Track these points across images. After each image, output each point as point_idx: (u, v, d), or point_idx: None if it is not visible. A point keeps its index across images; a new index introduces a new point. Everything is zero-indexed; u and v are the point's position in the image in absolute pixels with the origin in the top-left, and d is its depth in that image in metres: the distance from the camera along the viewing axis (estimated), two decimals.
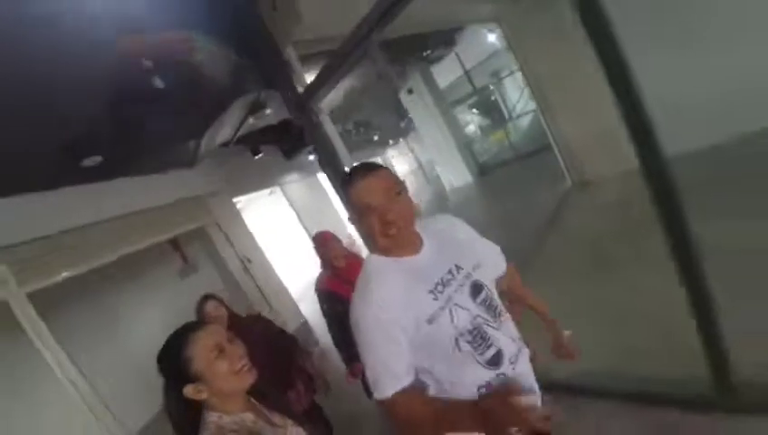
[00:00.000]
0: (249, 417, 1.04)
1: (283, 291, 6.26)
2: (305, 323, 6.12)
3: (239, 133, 5.02)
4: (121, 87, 2.81)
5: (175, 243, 6.01)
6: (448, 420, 0.98)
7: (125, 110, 3.09)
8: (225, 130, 4.77)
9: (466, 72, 10.97)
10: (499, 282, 1.31)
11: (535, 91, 5.77)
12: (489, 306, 1.14)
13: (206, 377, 0.99)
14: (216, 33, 2.99)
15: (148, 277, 5.93)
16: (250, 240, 6.13)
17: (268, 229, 9.12)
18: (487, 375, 1.09)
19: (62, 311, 4.60)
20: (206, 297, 2.23)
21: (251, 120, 4.66)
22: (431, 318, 1.05)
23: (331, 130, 2.55)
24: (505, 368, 1.11)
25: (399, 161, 21.56)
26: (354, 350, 1.82)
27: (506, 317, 1.18)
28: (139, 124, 3.44)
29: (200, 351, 0.99)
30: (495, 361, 1.10)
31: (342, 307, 2.09)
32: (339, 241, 2.35)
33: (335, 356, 2.52)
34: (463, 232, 1.27)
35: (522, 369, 1.15)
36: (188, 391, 0.98)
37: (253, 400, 1.13)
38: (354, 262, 2.30)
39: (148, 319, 5.61)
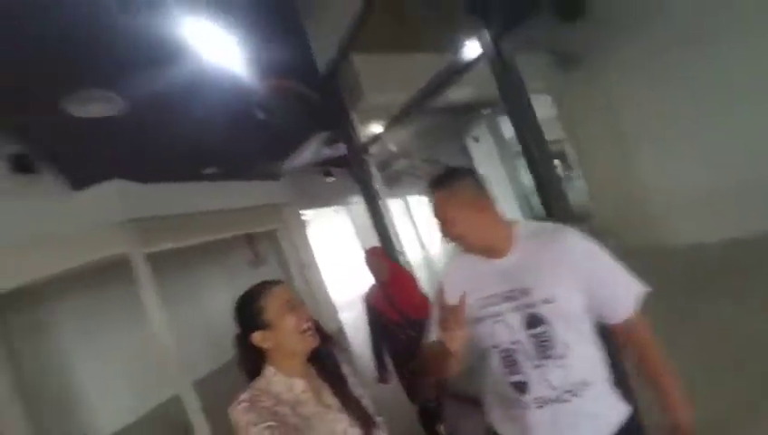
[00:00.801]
0: (299, 385, 1.04)
1: (326, 297, 7.13)
2: (341, 330, 6.87)
3: (317, 159, 6.12)
4: (235, 118, 3.92)
5: (250, 238, 7.25)
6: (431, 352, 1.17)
7: (236, 134, 4.24)
8: (305, 154, 5.87)
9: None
10: (619, 333, 1.14)
11: (579, 157, 6.08)
12: (540, 344, 1.07)
13: (274, 328, 1.03)
14: (310, 85, 4.02)
15: (225, 262, 7.20)
16: (309, 248, 7.15)
17: (328, 242, 10.22)
18: (511, 393, 1.12)
19: (161, 274, 5.95)
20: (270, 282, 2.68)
21: (326, 150, 5.70)
22: (475, 320, 1.11)
23: (375, 174, 3.36)
24: (528, 401, 1.08)
25: None
26: (386, 361, 2.38)
27: (564, 364, 1.06)
28: (243, 145, 4.61)
29: (273, 302, 1.04)
30: (520, 388, 1.10)
31: (381, 322, 2.35)
32: (386, 258, 2.43)
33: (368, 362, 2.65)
34: (565, 253, 1.07)
35: (548, 418, 1.07)
36: (256, 337, 1.03)
37: (312, 369, 1.11)
38: (402, 279, 2.39)
39: (219, 297, 6.82)
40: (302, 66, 3.70)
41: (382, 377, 2.47)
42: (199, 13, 2.56)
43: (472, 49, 2.30)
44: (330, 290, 7.22)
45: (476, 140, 9.63)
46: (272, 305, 1.04)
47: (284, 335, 1.03)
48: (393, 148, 7.22)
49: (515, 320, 1.08)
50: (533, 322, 1.07)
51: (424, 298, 2.34)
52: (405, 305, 2.26)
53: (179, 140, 3.87)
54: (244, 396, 0.97)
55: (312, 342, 1.06)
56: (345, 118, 3.41)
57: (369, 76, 3.06)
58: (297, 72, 3.71)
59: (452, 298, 1.03)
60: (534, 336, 1.07)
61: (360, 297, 2.59)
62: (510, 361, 1.09)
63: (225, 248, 6.71)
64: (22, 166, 3.52)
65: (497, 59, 2.07)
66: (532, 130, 2.16)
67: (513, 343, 1.09)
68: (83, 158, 3.78)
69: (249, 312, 1.05)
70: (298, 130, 4.88)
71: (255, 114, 3.92)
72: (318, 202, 7.96)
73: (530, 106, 2.20)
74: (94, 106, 2.93)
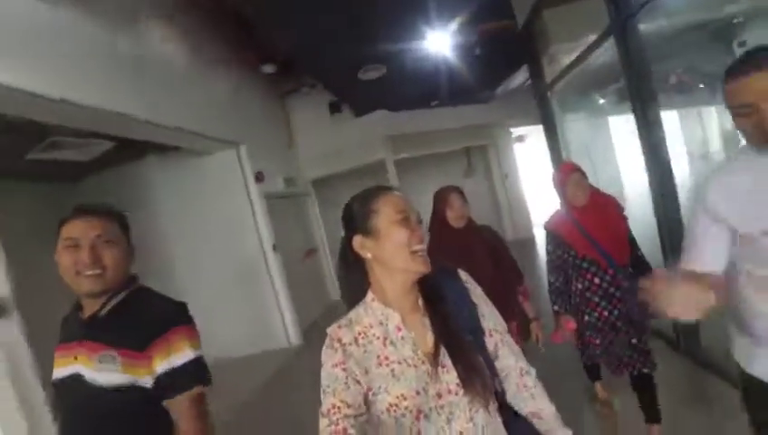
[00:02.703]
0: (395, 319, 0.84)
1: (523, 207, 8.24)
2: (531, 240, 7.96)
3: (523, 83, 6.80)
4: (457, 55, 5.21)
5: (467, 151, 8.85)
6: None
7: (457, 69, 5.59)
8: (515, 81, 6.67)
9: None
10: None
11: None
12: None
13: (381, 237, 0.83)
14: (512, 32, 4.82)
15: (447, 170, 9.13)
16: (513, 161, 8.22)
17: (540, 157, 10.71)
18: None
19: (403, 176, 8.43)
20: (452, 188, 1.94)
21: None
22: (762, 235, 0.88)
23: (556, 109, 4.15)
24: None
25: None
26: (568, 303, 1.93)
27: None
28: (462, 77, 5.93)
29: (386, 208, 0.84)
30: None
31: (565, 254, 1.90)
32: (584, 175, 1.90)
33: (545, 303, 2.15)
34: None
35: None
36: (356, 241, 0.85)
37: (422, 303, 0.87)
38: (599, 208, 1.89)
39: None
40: (507, 17, 4.56)
41: (561, 327, 1.99)
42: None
43: None
44: (528, 202, 8.24)
45: (743, 44, 7.48)
46: (384, 211, 0.84)
47: (390, 248, 0.82)
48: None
49: None
50: None
51: (630, 238, 1.93)
52: (607, 242, 1.83)
53: (419, 84, 5.61)
54: (332, 327, 0.86)
55: (420, 265, 0.83)
56: (535, 63, 4.20)
57: (555, 27, 3.75)
58: (502, 23, 4.62)
59: (730, 206, 0.90)
60: None
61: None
62: None
63: (447, 159, 8.58)
64: (334, 108, 6.15)
65: None
66: None
67: None
68: (364, 100, 6.08)
69: (358, 213, 0.87)
70: (505, 63, 5.78)
71: (473, 52, 5.16)
72: (530, 120, 8.62)
73: None
74: (371, 73, 4.90)
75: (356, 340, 0.83)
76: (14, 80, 2.16)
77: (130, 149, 4.20)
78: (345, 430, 0.73)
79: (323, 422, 0.76)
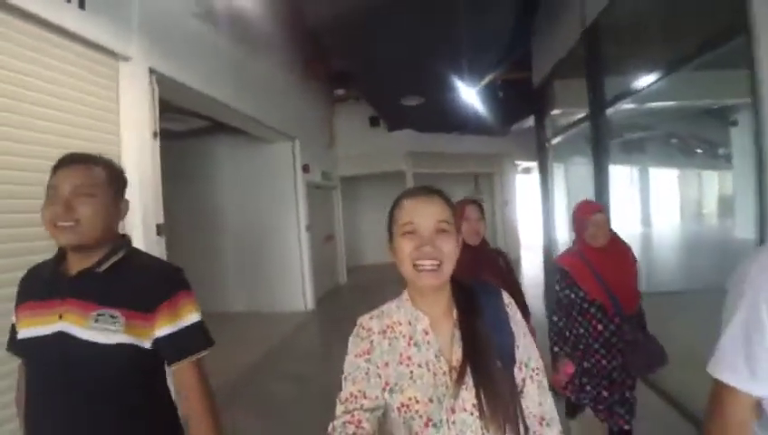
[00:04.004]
0: (424, 322, 0.80)
1: (514, 231, 9.36)
2: (518, 260, 9.06)
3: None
4: (483, 96, 6.34)
5: (476, 176, 9.97)
6: None
7: (481, 107, 6.72)
8: (527, 123, 7.82)
9: None
10: None
11: None
12: None
13: (395, 245, 0.80)
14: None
15: (455, 191, 10.28)
16: (513, 191, 9.35)
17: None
18: None
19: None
20: (470, 201, 1.86)
21: None
22: None
23: (550, 156, 5.25)
24: None
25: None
26: (567, 347, 1.82)
27: None
28: (484, 114, 7.07)
29: (399, 216, 0.80)
30: None
31: (573, 294, 1.81)
32: (606, 217, 1.85)
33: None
34: None
35: None
36: (388, 244, 0.83)
37: (456, 314, 0.81)
38: (614, 253, 1.84)
39: None
40: (526, 70, 5.70)
41: (558, 371, 1.86)
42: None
43: None
44: (520, 227, 9.37)
45: (734, 124, 8.64)
46: (397, 220, 0.80)
47: (399, 257, 0.78)
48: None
49: None
50: None
51: (637, 288, 1.87)
52: (619, 289, 1.78)
53: (448, 114, 6.76)
54: (363, 317, 0.85)
55: (421, 279, 0.76)
56: (542, 116, 5.33)
57: (558, 96, 4.86)
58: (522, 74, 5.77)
59: None
60: None
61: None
62: None
63: (459, 179, 9.70)
64: (374, 121, 7.31)
65: None
66: None
67: None
68: (399, 119, 7.23)
69: (389, 215, 0.83)
70: (520, 108, 6.93)
71: (497, 94, 6.31)
72: (531, 156, 9.78)
73: None
74: (411, 100, 6.05)
75: (384, 332, 0.82)
76: (184, 78, 3.26)
77: (213, 128, 5.31)
78: (360, 422, 0.73)
79: (339, 408, 0.76)
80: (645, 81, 2.97)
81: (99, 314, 0.90)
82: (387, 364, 0.79)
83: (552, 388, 1.38)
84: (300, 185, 5.89)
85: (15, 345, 0.97)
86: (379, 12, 3.76)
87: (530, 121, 7.78)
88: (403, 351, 0.79)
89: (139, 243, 2.68)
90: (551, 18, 4.50)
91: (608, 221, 1.84)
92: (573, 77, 4.06)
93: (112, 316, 0.91)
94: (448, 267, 0.77)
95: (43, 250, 1.21)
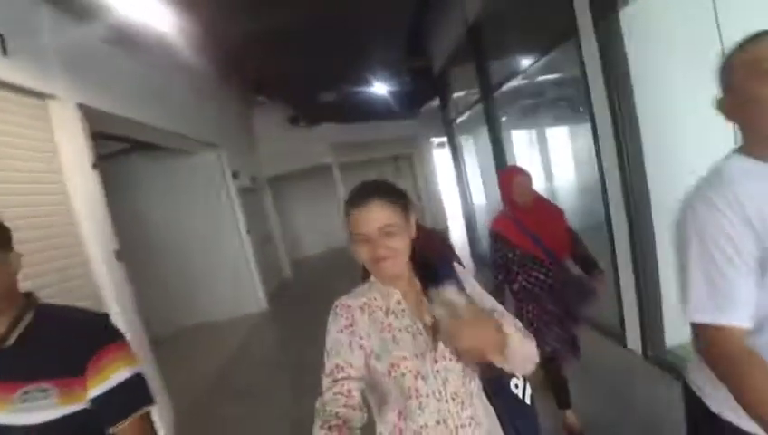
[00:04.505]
0: (396, 295, 0.90)
1: (439, 203, 10.36)
2: (447, 230, 10.05)
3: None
4: (391, 84, 6.93)
5: (395, 158, 10.70)
6: None
7: (391, 95, 7.33)
8: (434, 103, 8.66)
9: None
10: None
11: None
12: None
13: (354, 248, 0.88)
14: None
15: (380, 172, 10.91)
16: (433, 167, 10.28)
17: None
18: None
19: (344, 176, 9.98)
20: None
21: None
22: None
23: (457, 133, 6.07)
24: None
25: None
26: (513, 299, 2.03)
27: None
28: (394, 100, 7.71)
29: (351, 225, 0.86)
30: None
31: (510, 253, 1.97)
32: (529, 178, 1.98)
33: None
34: None
35: None
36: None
37: (419, 284, 0.93)
38: (540, 209, 2.00)
39: None
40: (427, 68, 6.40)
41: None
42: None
43: None
44: (444, 199, 10.37)
45: None
46: (350, 227, 0.86)
47: (360, 258, 0.86)
48: None
49: None
50: None
51: (570, 235, 2.06)
52: (550, 240, 1.95)
53: (362, 104, 7.27)
54: (339, 300, 0.91)
55: (382, 274, 0.87)
56: (445, 100, 6.10)
57: (456, 82, 5.65)
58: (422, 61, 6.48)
59: (761, 228, 0.71)
60: None
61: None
62: None
63: (381, 163, 10.34)
64: (293, 120, 7.59)
65: None
66: None
67: None
68: (317, 114, 7.58)
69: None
70: (426, 92, 7.71)
71: (403, 82, 6.96)
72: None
73: None
74: (326, 96, 6.44)
75: (362, 308, 0.88)
76: (110, 107, 3.31)
77: (133, 148, 5.19)
78: (350, 391, 0.77)
79: (326, 381, 0.79)
80: (522, 65, 3.78)
81: (25, 393, 0.80)
82: (369, 336, 0.85)
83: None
84: (232, 191, 6.01)
85: None
86: (287, 26, 4.10)
87: (437, 102, 8.67)
88: (383, 320, 0.87)
89: (101, 273, 2.84)
90: (440, 17, 5.18)
91: (530, 181, 1.99)
92: (466, 64, 4.81)
93: (42, 390, 0.81)
94: (402, 258, 0.87)
95: None
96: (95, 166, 3.00)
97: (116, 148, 4.96)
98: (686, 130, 2.35)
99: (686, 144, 2.31)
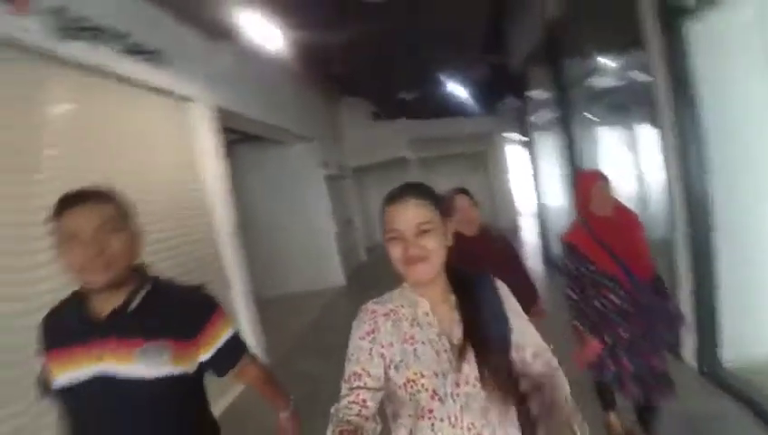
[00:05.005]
0: (424, 305, 0.86)
1: (510, 200, 10.32)
2: (517, 228, 9.92)
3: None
4: (472, 82, 7.19)
5: (470, 155, 10.84)
6: None
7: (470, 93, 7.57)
8: (508, 102, 8.68)
9: None
10: None
11: None
12: None
13: (387, 247, 0.85)
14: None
15: (458, 168, 11.10)
16: (505, 165, 10.28)
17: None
18: None
19: (425, 172, 10.37)
20: (461, 191, 1.89)
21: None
22: None
23: (535, 137, 6.14)
24: None
25: None
26: (590, 321, 1.69)
27: None
28: (470, 97, 7.94)
29: (385, 222, 0.85)
30: None
31: (583, 268, 1.74)
32: (609, 184, 1.75)
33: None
34: None
35: None
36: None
37: (454, 298, 0.88)
38: (621, 218, 1.76)
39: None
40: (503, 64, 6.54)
41: (580, 351, 1.78)
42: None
43: None
44: (516, 196, 10.30)
45: None
46: (384, 224, 0.85)
47: (391, 258, 0.84)
48: None
49: None
50: None
51: (650, 255, 1.79)
52: (629, 257, 1.71)
53: (440, 102, 7.66)
54: (367, 303, 0.91)
55: (411, 277, 0.84)
56: (522, 97, 6.20)
57: (533, 79, 5.73)
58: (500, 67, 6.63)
59: None
60: None
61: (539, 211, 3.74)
62: None
63: (455, 158, 10.59)
64: (375, 116, 8.29)
65: None
66: None
67: None
68: (398, 110, 8.21)
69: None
70: (505, 90, 7.80)
71: (480, 80, 7.19)
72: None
73: None
74: (405, 94, 6.95)
75: (387, 314, 0.86)
76: (234, 107, 4.15)
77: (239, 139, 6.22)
78: (365, 401, 0.76)
79: (344, 387, 0.79)
80: (602, 64, 3.86)
81: (145, 349, 0.91)
82: (391, 344, 0.82)
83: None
84: (321, 178, 6.86)
85: (53, 393, 0.94)
86: (370, 33, 4.70)
87: (513, 99, 8.66)
88: (406, 330, 0.83)
89: (225, 248, 3.62)
90: (519, 15, 5.32)
91: (611, 189, 1.76)
92: (545, 62, 4.89)
93: (160, 348, 0.92)
94: (436, 261, 0.82)
95: None
96: (223, 158, 3.83)
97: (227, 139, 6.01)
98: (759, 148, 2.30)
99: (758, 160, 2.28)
